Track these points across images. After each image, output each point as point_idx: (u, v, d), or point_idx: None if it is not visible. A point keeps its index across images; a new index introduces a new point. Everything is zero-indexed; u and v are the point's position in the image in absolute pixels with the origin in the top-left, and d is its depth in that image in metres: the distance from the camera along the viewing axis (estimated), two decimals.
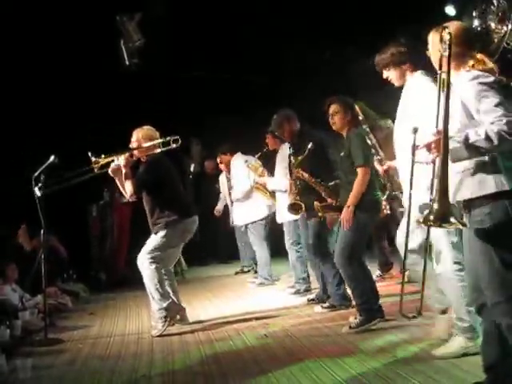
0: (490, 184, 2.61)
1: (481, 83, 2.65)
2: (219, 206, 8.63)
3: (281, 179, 6.23)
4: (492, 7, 3.94)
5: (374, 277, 6.20)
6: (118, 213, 8.60)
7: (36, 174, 4.93)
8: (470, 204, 2.68)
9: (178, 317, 5.09)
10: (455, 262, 3.47)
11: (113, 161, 4.93)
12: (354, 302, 4.69)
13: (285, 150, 6.05)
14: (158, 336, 4.82)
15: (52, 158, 4.98)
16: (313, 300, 5.61)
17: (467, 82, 2.69)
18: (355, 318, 4.43)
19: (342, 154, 4.69)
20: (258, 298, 6.29)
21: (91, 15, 7.02)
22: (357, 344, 4.03)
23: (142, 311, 5.89)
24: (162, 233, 4.96)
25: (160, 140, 5.06)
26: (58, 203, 6.01)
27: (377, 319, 4.38)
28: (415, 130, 3.06)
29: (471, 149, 2.55)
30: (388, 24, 6.63)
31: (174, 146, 5.02)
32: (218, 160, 8.00)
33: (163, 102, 8.55)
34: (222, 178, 8.36)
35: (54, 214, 5.18)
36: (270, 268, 7.20)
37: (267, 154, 6.82)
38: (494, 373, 2.76)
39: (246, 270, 8.42)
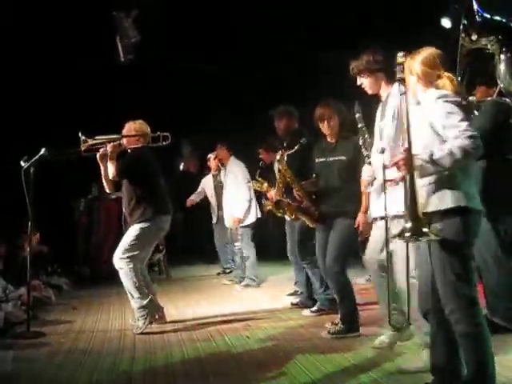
0: (447, 199, 2.78)
1: (447, 101, 2.81)
2: (195, 198, 8.52)
3: None
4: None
5: (363, 280, 6.28)
6: (106, 208, 8.59)
7: (26, 166, 4.93)
8: (430, 217, 2.80)
9: (157, 316, 5.10)
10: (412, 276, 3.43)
11: (101, 145, 4.96)
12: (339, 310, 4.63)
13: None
14: (139, 334, 4.82)
15: (43, 150, 4.99)
16: (296, 304, 5.64)
17: (435, 99, 2.84)
18: (336, 325, 4.47)
19: (338, 158, 4.60)
20: (241, 300, 6.32)
21: (89, 10, 7.03)
22: (338, 349, 4.05)
23: (126, 308, 5.88)
24: (136, 228, 4.96)
25: (150, 135, 5.11)
26: (45, 197, 5.99)
27: (356, 333, 4.41)
28: (382, 150, 3.12)
29: (436, 165, 2.72)
30: (388, 35, 6.65)
31: (164, 143, 5.06)
32: (213, 156, 7.97)
33: (157, 98, 8.56)
34: (207, 179, 8.37)
35: (40, 207, 5.16)
36: (257, 270, 7.23)
37: (263, 168, 6.79)
38: (441, 374, 2.92)
39: (227, 271, 8.46)
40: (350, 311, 4.47)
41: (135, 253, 4.93)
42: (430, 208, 2.80)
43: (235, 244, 7.52)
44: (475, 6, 4.07)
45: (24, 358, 4.28)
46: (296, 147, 5.02)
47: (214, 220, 8.30)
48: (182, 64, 8.58)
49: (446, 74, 2.97)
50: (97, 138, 5.00)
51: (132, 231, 4.98)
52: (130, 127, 5.15)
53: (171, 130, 5.11)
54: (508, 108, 4.13)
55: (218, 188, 8.10)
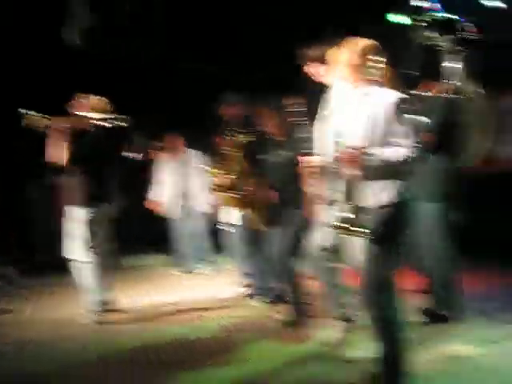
0: (383, 197, 2.94)
1: (399, 108, 2.94)
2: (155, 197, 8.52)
3: None
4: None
5: (310, 271, 6.32)
6: (56, 195, 8.42)
7: None
8: (365, 210, 2.92)
9: (110, 306, 5.08)
10: None
11: (47, 123, 4.75)
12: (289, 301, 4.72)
13: None
14: (91, 323, 4.81)
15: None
16: (249, 295, 5.70)
17: (388, 101, 2.96)
18: (286, 315, 4.55)
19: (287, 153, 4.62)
20: (193, 290, 6.34)
21: None
22: (287, 339, 4.14)
23: (77, 298, 5.82)
24: (82, 216, 4.86)
25: (107, 116, 4.90)
26: None
27: (307, 323, 4.45)
28: (337, 142, 3.16)
29: (379, 165, 2.87)
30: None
31: (122, 124, 4.91)
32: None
33: (158, 98, 8.46)
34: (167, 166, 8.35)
35: None
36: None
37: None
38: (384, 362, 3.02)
39: (182, 261, 8.44)
40: (301, 302, 4.56)
41: (90, 242, 4.88)
42: (364, 203, 2.93)
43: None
44: (436, 4, 4.18)
45: None
46: (254, 134, 5.07)
47: (175, 210, 8.29)
48: (182, 64, 8.49)
49: (382, 65, 3.07)
50: (41, 115, 4.75)
51: (80, 221, 4.88)
52: (86, 103, 4.91)
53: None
54: (458, 105, 4.26)
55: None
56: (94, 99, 4.98)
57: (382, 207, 2.93)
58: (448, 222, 4.22)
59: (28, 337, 4.52)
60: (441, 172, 4.18)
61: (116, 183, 5.17)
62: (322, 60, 3.88)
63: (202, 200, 7.38)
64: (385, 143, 2.92)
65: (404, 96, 3.00)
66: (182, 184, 7.66)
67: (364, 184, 2.93)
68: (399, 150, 2.88)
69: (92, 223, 4.90)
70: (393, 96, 2.98)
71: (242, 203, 5.07)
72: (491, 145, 4.39)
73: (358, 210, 2.86)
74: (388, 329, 2.97)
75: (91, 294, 4.89)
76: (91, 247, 4.88)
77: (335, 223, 2.89)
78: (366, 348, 3.54)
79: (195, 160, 7.56)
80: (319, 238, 3.89)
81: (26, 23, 7.40)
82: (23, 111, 4.72)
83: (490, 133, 4.36)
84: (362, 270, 3.04)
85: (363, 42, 3.13)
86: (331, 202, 3.16)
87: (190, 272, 7.42)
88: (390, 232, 2.92)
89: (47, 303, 5.82)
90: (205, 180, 7.13)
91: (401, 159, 2.87)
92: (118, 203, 5.16)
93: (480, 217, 6.27)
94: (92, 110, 4.91)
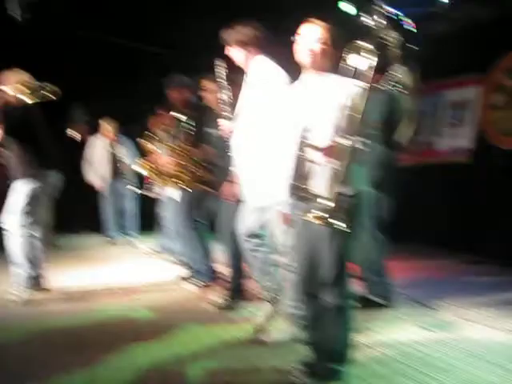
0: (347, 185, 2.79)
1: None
2: (98, 182, 8.42)
3: None
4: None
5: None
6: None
7: None
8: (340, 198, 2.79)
9: (41, 283, 4.96)
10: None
11: None
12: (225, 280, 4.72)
13: None
14: (19, 302, 4.68)
15: None
16: (184, 278, 5.65)
17: (351, 89, 2.80)
18: (220, 297, 4.54)
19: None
20: (128, 271, 6.26)
21: None
22: (219, 322, 4.14)
23: (4, 275, 5.65)
24: (23, 189, 4.77)
25: (36, 85, 4.76)
26: None
27: (241, 305, 4.51)
28: (306, 129, 3.02)
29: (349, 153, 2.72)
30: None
31: (52, 97, 4.75)
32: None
33: (51, 61, 8.14)
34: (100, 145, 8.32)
35: None
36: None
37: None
38: (316, 350, 3.03)
39: (114, 240, 8.42)
40: (236, 284, 4.56)
41: (28, 217, 4.75)
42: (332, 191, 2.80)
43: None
44: None
45: None
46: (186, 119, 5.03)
47: (106, 189, 8.26)
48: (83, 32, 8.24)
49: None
50: None
51: (21, 193, 4.76)
52: (10, 77, 4.80)
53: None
54: (396, 97, 4.32)
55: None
56: (16, 73, 4.85)
57: (352, 195, 2.83)
58: (380, 208, 4.28)
59: None
60: (374, 159, 4.23)
61: (56, 153, 5.03)
62: (243, 43, 3.83)
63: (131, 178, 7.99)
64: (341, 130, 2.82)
65: (362, 84, 2.90)
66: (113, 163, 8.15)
67: (339, 172, 2.79)
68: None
69: (34, 196, 4.78)
70: (353, 84, 2.83)
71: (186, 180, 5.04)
72: (413, 135, 4.48)
73: (337, 198, 2.72)
74: (343, 316, 2.96)
75: (26, 273, 4.76)
76: (30, 221, 4.75)
77: (312, 213, 2.73)
78: (291, 331, 3.60)
79: (126, 143, 8.20)
80: (248, 220, 3.89)
81: None
82: None
83: (413, 123, 4.45)
84: (301, 257, 3.00)
85: (328, 28, 3.01)
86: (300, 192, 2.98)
87: (115, 243, 7.97)
88: (355, 219, 2.85)
89: None
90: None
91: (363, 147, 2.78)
92: (61, 173, 5.05)
93: (415, 205, 6.46)
94: (16, 84, 4.76)
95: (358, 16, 6.40)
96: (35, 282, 4.86)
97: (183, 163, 5.09)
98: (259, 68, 3.78)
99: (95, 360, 3.41)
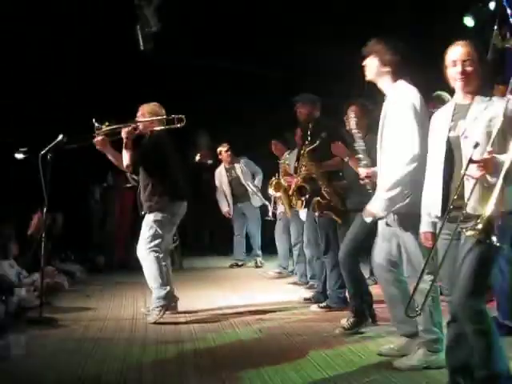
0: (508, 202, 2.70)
1: None
2: (226, 208, 8.57)
3: None
4: None
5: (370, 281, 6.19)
6: (121, 197, 8.58)
7: (43, 151, 4.94)
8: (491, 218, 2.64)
9: (171, 306, 5.09)
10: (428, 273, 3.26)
11: (116, 131, 4.95)
12: (350, 304, 4.64)
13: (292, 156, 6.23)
14: (152, 323, 4.82)
15: (60, 136, 4.99)
16: (309, 299, 5.59)
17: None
18: (347, 320, 4.43)
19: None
20: (254, 293, 6.28)
21: None
22: (347, 345, 4.03)
23: (138, 297, 5.88)
24: (152, 216, 4.96)
25: (164, 116, 5.06)
26: (61, 183, 5.99)
27: (368, 322, 4.42)
28: (476, 145, 2.78)
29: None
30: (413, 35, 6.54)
31: (179, 125, 4.98)
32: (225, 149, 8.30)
33: (175, 90, 8.53)
34: (221, 171, 8.47)
35: (55, 194, 5.16)
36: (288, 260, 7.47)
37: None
38: (459, 374, 2.88)
39: (240, 263, 8.49)
40: (359, 302, 4.44)
41: (157, 242, 4.94)
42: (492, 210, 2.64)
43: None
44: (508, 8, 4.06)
45: (36, 343, 4.27)
46: (317, 142, 5.02)
47: (231, 212, 8.41)
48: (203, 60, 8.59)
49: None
50: (109, 124, 4.97)
51: (149, 221, 4.98)
52: (143, 109, 5.11)
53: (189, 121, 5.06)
54: None
55: (234, 181, 8.39)
56: (149, 105, 5.13)
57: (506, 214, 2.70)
58: None
59: (90, 335, 4.56)
60: None
61: (185, 183, 5.25)
62: (379, 54, 3.63)
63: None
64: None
65: None
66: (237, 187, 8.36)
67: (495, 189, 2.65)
68: None
69: (161, 225, 4.97)
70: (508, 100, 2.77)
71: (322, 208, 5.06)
72: None
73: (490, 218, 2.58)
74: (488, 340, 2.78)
75: (158, 294, 4.93)
76: (157, 247, 4.95)
77: (467, 230, 2.63)
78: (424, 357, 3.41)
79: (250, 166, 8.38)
80: (384, 247, 3.74)
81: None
82: (96, 123, 4.95)
83: None
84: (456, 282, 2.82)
85: (474, 46, 2.91)
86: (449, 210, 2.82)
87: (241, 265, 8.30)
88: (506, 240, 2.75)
89: (109, 302, 5.87)
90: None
91: None
92: (188, 200, 5.21)
93: None
94: (148, 115, 5.07)
95: (481, 28, 6.15)
96: (167, 304, 4.99)
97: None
98: (400, 92, 3.59)
99: (229, 381, 3.42)
